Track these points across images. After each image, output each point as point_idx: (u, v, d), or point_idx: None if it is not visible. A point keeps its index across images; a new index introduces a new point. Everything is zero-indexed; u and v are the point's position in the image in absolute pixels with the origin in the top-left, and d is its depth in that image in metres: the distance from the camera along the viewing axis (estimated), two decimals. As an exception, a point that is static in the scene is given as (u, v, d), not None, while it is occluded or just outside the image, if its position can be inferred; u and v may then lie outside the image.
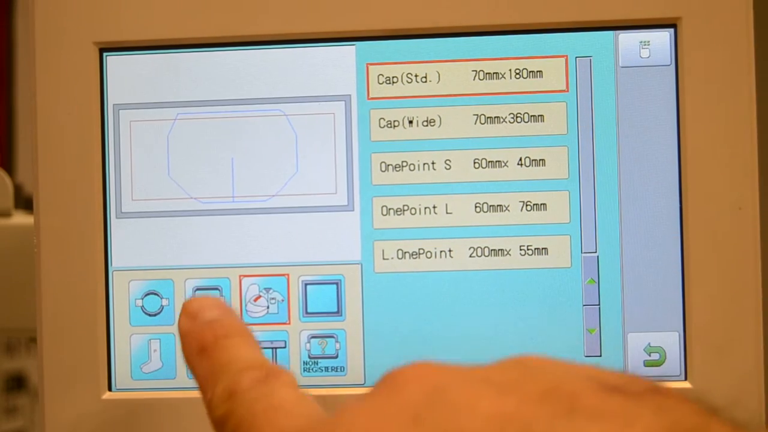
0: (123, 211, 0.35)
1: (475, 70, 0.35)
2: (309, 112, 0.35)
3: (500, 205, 0.35)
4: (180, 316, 0.27)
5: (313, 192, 0.35)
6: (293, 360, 0.35)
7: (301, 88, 0.35)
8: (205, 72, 0.35)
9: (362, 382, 0.35)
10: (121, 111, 0.36)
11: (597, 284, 0.34)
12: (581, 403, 0.18)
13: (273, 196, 0.35)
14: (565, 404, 0.18)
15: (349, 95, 0.35)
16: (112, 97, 0.36)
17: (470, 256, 0.35)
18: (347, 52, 0.35)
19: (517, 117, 0.35)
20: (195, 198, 0.35)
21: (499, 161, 0.35)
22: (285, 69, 0.35)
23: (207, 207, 0.35)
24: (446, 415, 0.19)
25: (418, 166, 0.35)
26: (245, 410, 0.23)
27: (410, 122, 0.35)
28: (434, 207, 0.35)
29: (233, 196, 0.35)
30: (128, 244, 0.35)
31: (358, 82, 0.35)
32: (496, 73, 0.35)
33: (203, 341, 0.26)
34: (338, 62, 0.35)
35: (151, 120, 0.36)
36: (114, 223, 0.35)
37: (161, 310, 0.36)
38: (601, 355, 0.34)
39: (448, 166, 0.35)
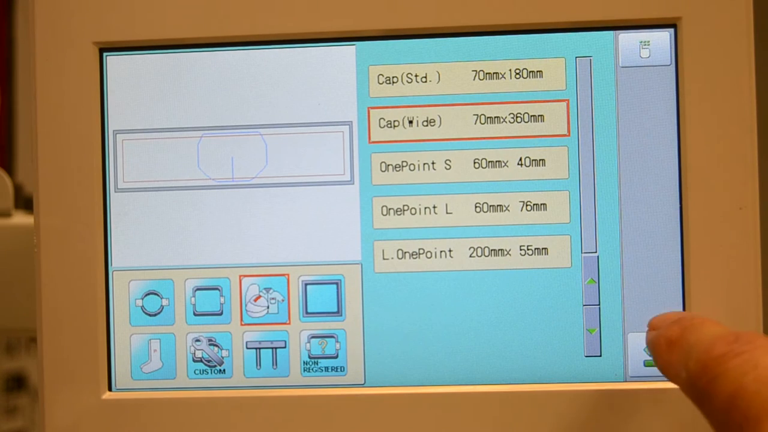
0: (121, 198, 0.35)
1: (475, 70, 0.35)
2: (309, 111, 0.35)
3: (500, 205, 0.35)
4: (647, 334, 0.30)
5: (312, 191, 0.35)
6: (293, 360, 0.35)
7: (300, 88, 0.35)
8: (205, 72, 0.35)
9: (362, 382, 0.35)
10: (121, 111, 0.36)
11: (597, 284, 0.34)
12: None
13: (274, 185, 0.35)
14: None
15: (349, 95, 0.35)
16: (113, 97, 0.36)
17: (470, 256, 0.35)
18: (347, 52, 0.35)
19: (517, 117, 0.35)
20: (197, 179, 0.35)
21: (499, 161, 0.35)
22: (285, 69, 0.35)
23: (209, 183, 0.35)
24: None
25: (418, 166, 0.35)
26: (730, 379, 0.23)
27: (410, 122, 0.35)
28: (434, 207, 0.35)
29: (233, 177, 0.35)
30: (128, 244, 0.36)
31: (358, 82, 0.35)
32: (496, 73, 0.35)
33: (670, 337, 0.27)
34: (338, 62, 0.35)
35: (153, 120, 0.36)
36: (114, 222, 0.35)
37: (161, 310, 0.36)
38: (601, 355, 0.34)
39: (448, 166, 0.35)
